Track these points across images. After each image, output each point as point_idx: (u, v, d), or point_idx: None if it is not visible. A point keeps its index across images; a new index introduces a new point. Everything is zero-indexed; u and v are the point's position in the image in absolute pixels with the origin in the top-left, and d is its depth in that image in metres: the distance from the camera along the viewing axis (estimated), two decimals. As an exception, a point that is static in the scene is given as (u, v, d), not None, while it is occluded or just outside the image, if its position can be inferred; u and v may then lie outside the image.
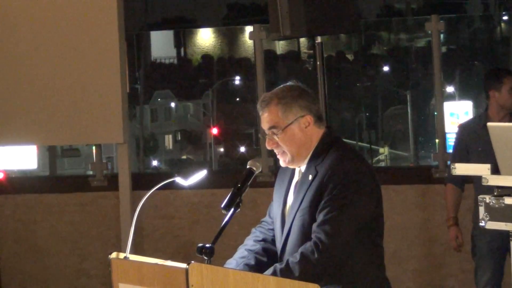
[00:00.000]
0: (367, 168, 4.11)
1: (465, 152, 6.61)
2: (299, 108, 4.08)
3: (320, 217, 3.95)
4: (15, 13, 7.38)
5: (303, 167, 4.13)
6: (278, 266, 3.95)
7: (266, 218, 4.34)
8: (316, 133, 4.11)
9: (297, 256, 3.92)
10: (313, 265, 3.87)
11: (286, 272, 3.86)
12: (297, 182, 4.16)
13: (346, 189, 3.95)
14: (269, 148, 4.16)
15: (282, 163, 4.17)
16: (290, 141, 4.09)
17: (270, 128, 4.09)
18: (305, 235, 4.00)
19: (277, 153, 4.15)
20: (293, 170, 4.20)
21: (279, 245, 4.16)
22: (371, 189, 4.05)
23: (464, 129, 6.88)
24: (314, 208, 3.99)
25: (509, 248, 6.37)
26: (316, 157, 4.08)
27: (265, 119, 4.11)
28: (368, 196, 4.02)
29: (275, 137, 4.09)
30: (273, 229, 4.24)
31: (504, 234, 5.69)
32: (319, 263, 3.88)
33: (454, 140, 7.01)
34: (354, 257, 4.00)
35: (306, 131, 4.10)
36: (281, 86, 4.25)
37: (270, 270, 3.94)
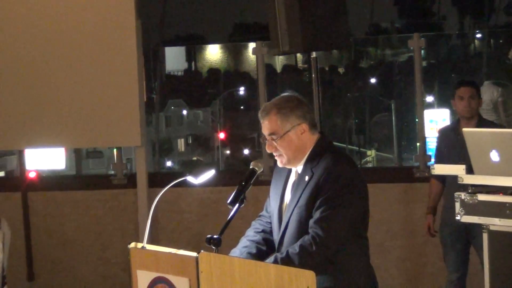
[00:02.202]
0: (357, 171, 4.13)
1: (442, 153, 6.67)
2: (295, 117, 4.09)
3: (317, 215, 3.96)
4: (48, 28, 7.36)
5: (299, 168, 4.13)
6: (278, 255, 3.96)
7: (264, 213, 4.35)
8: (310, 139, 4.12)
9: (296, 248, 3.93)
10: (311, 256, 3.89)
11: (287, 261, 3.88)
12: (294, 182, 4.16)
13: (340, 190, 3.97)
14: (268, 151, 4.17)
15: (279, 164, 4.18)
16: (287, 146, 4.10)
17: (270, 134, 4.11)
18: (301, 229, 4.01)
19: (275, 156, 4.16)
20: (290, 170, 4.20)
21: (276, 237, 4.16)
22: (361, 190, 4.07)
23: (440, 133, 6.95)
24: (310, 206, 4.00)
25: (469, 238, 6.43)
26: (312, 160, 4.08)
27: (266, 127, 4.12)
28: (359, 197, 4.04)
29: (274, 142, 4.10)
30: (270, 222, 4.25)
31: (462, 226, 5.74)
32: (317, 255, 3.90)
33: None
34: (344, 248, 4.01)
35: (301, 137, 4.10)
36: (280, 96, 4.26)
37: (272, 258, 3.95)
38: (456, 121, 6.81)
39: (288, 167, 4.18)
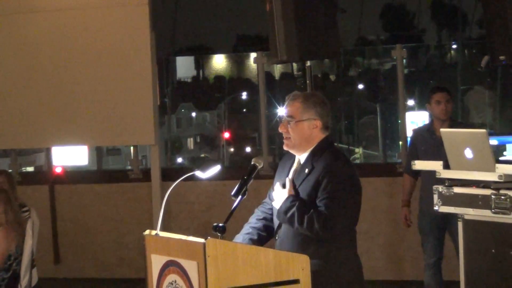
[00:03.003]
0: (353, 169, 4.10)
1: (415, 150, 6.68)
2: (314, 112, 4.07)
3: (319, 204, 3.91)
4: (74, 41, 7.37)
5: (302, 158, 4.11)
6: (298, 203, 3.93)
7: (266, 200, 4.32)
8: (318, 136, 4.09)
9: (308, 216, 3.88)
10: (315, 231, 3.86)
11: (301, 216, 3.87)
12: (295, 170, 4.13)
13: (337, 186, 3.94)
14: (280, 130, 4.14)
15: (285, 146, 4.15)
16: (297, 132, 4.07)
17: (288, 116, 4.08)
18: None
19: (284, 137, 4.12)
20: (293, 161, 4.17)
21: (276, 220, 4.15)
22: (357, 187, 4.05)
23: (415, 132, 6.97)
24: (308, 199, 3.96)
25: (445, 226, 6.43)
26: (314, 154, 4.06)
27: (288, 109, 4.10)
28: (356, 192, 4.02)
29: (289, 124, 4.08)
30: (271, 208, 4.22)
31: (439, 215, 5.73)
32: (322, 228, 3.85)
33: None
34: (335, 238, 3.99)
35: (312, 131, 4.07)
36: (311, 91, 4.32)
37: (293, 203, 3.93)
38: (430, 123, 6.80)
39: (291, 151, 4.15)
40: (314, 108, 4.08)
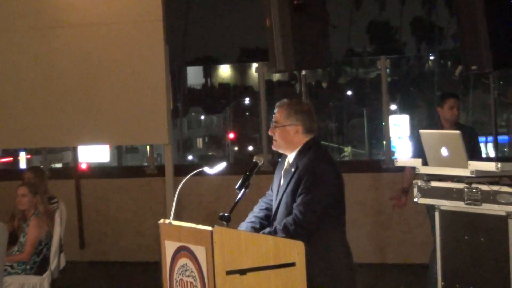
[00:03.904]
0: (331, 166, 4.07)
1: (421, 148, 6.49)
2: (295, 119, 4.08)
3: (297, 200, 3.95)
4: (98, 53, 7.36)
5: (290, 159, 4.12)
6: (267, 229, 3.98)
7: (269, 192, 4.34)
8: (301, 139, 4.09)
9: (282, 225, 3.92)
10: (290, 233, 3.85)
11: (273, 234, 3.88)
12: (285, 169, 4.16)
13: (314, 181, 3.94)
14: (269, 134, 4.19)
15: (272, 147, 4.19)
16: (282, 136, 4.10)
17: (275, 122, 4.13)
18: (288, 210, 3.99)
19: (273, 139, 4.16)
20: (285, 161, 4.18)
21: (273, 211, 4.16)
22: (334, 182, 4.02)
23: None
24: (294, 194, 3.98)
25: None
26: (299, 155, 4.07)
27: (275, 115, 4.14)
28: (329, 187, 3.98)
29: (276, 128, 4.11)
30: (272, 199, 4.24)
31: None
32: (294, 232, 3.85)
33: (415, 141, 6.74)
34: (324, 227, 3.99)
35: (294, 135, 4.08)
36: (297, 99, 4.37)
37: (265, 231, 3.97)
38: (439, 125, 6.56)
39: (279, 151, 4.19)
40: (296, 115, 4.09)
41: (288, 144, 4.10)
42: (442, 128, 6.42)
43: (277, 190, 4.16)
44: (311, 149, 4.07)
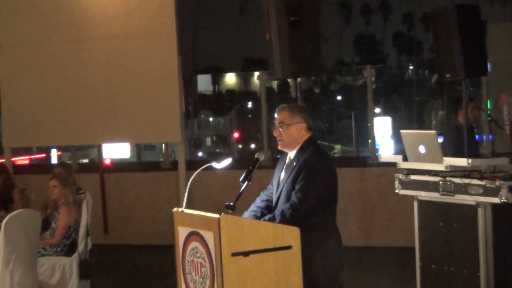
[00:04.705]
0: (326, 161, 4.08)
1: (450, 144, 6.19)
2: (300, 117, 4.07)
3: (296, 188, 3.95)
4: (122, 64, 7.36)
5: (292, 155, 4.11)
6: (268, 216, 3.97)
7: (269, 186, 4.33)
8: (304, 136, 4.08)
9: (279, 210, 3.92)
10: (287, 218, 3.85)
11: (272, 220, 3.88)
12: (287, 164, 4.14)
13: (312, 173, 3.94)
14: (275, 135, 4.14)
15: (279, 147, 4.15)
16: (288, 134, 4.07)
17: (280, 122, 4.09)
18: (288, 198, 3.98)
19: (278, 139, 4.12)
20: (286, 157, 4.18)
21: (274, 201, 4.15)
22: (328, 174, 4.02)
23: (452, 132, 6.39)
24: (294, 182, 3.98)
25: None
26: (300, 151, 4.06)
27: (279, 117, 4.10)
28: (325, 179, 3.99)
29: (281, 129, 4.08)
30: (272, 192, 4.23)
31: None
32: (290, 216, 3.86)
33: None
34: (318, 214, 3.99)
35: (299, 132, 4.07)
36: (294, 103, 4.36)
37: (265, 218, 3.96)
38: (458, 123, 6.26)
39: (284, 149, 4.15)
40: (299, 114, 4.09)
41: (295, 141, 4.08)
42: (460, 126, 6.07)
43: (277, 184, 4.15)
44: (310, 147, 4.06)
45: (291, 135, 4.08)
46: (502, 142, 8.65)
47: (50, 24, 7.48)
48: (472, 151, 5.77)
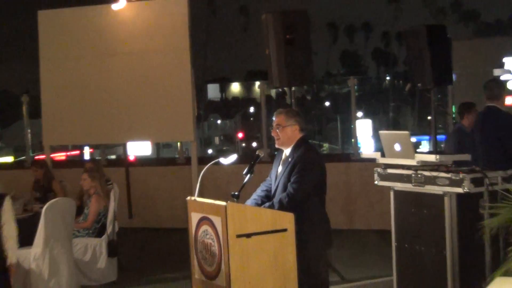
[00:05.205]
0: (317, 157, 4.10)
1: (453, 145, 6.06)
2: (294, 120, 4.07)
3: (292, 179, 3.94)
4: (140, 75, 7.34)
5: (287, 152, 4.10)
6: (267, 204, 3.97)
7: (268, 178, 4.32)
8: (298, 135, 4.08)
9: (277, 199, 3.92)
10: (284, 205, 3.86)
11: (271, 207, 3.88)
12: (283, 160, 4.13)
13: (305, 167, 3.94)
14: (273, 135, 4.13)
15: (276, 145, 4.14)
16: (284, 134, 4.07)
17: (277, 124, 4.08)
18: (284, 188, 3.99)
19: (276, 138, 4.11)
20: (282, 155, 4.17)
21: (272, 191, 4.14)
22: (319, 168, 4.03)
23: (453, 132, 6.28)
24: (289, 175, 3.97)
25: None
26: (294, 149, 4.05)
27: (276, 120, 4.10)
28: (316, 172, 3.99)
29: (278, 130, 4.07)
30: (271, 184, 4.22)
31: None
32: (287, 203, 3.86)
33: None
34: (312, 202, 3.98)
35: (293, 133, 4.07)
36: (289, 108, 4.38)
37: (265, 205, 3.96)
38: (461, 125, 6.10)
39: (280, 147, 4.14)
40: (294, 117, 4.10)
41: (289, 140, 4.07)
42: (463, 129, 5.84)
43: (275, 176, 4.15)
44: (303, 144, 4.06)
45: (286, 135, 4.08)
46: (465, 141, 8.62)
47: (83, 41, 7.48)
48: (471, 151, 5.56)
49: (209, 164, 4.01)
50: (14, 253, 4.15)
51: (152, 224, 8.95)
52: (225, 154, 4.51)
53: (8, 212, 4.12)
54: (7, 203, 4.12)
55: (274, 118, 4.15)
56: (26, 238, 5.30)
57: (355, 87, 8.84)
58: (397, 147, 4.81)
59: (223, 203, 3.59)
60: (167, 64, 7.26)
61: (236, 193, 3.96)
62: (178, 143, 10.12)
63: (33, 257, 5.64)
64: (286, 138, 4.08)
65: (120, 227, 6.61)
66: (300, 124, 4.09)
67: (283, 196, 3.91)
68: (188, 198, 3.94)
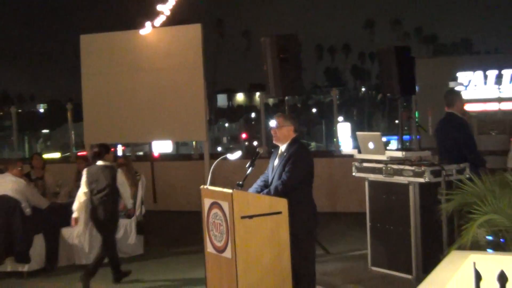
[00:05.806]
0: (307, 152, 4.10)
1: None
2: (290, 122, 4.06)
3: (286, 169, 3.93)
4: (162, 87, 7.32)
5: (282, 148, 4.08)
6: (265, 191, 3.95)
7: (266, 171, 4.31)
8: (292, 135, 4.07)
9: (273, 186, 3.90)
10: (279, 191, 3.84)
11: (268, 193, 3.87)
12: (279, 155, 4.12)
13: (297, 160, 3.93)
14: (272, 133, 4.09)
15: (274, 141, 4.12)
16: (281, 133, 4.05)
17: (276, 124, 4.07)
18: (280, 177, 3.96)
19: (274, 136, 4.09)
20: (278, 150, 4.16)
21: (270, 181, 4.13)
22: (309, 161, 4.01)
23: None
24: (284, 167, 3.96)
25: None
26: (289, 146, 4.04)
27: (276, 121, 4.08)
28: (306, 164, 3.98)
29: (276, 129, 4.06)
30: (268, 175, 4.21)
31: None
32: (281, 190, 3.84)
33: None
34: (302, 189, 3.96)
35: (289, 132, 4.05)
36: (287, 113, 4.39)
37: (264, 192, 3.95)
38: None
39: (277, 143, 4.11)
40: (290, 119, 4.10)
41: (285, 138, 4.07)
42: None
43: (272, 168, 4.14)
44: (296, 143, 4.06)
45: (283, 134, 4.08)
46: (426, 140, 8.63)
47: (117, 59, 7.49)
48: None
49: (218, 159, 4.01)
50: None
51: (172, 207, 8.95)
52: (231, 151, 4.50)
53: (121, 177, 5.19)
54: (119, 174, 5.21)
55: (273, 120, 4.16)
56: (70, 220, 5.30)
57: (337, 96, 8.85)
58: (371, 145, 4.81)
59: (230, 190, 3.59)
60: (184, 77, 7.25)
61: (240, 182, 3.96)
62: (193, 142, 10.11)
63: (76, 234, 5.65)
64: (283, 136, 4.07)
65: (146, 210, 6.61)
66: (295, 125, 4.09)
67: (278, 183, 3.91)
68: (201, 186, 3.95)
